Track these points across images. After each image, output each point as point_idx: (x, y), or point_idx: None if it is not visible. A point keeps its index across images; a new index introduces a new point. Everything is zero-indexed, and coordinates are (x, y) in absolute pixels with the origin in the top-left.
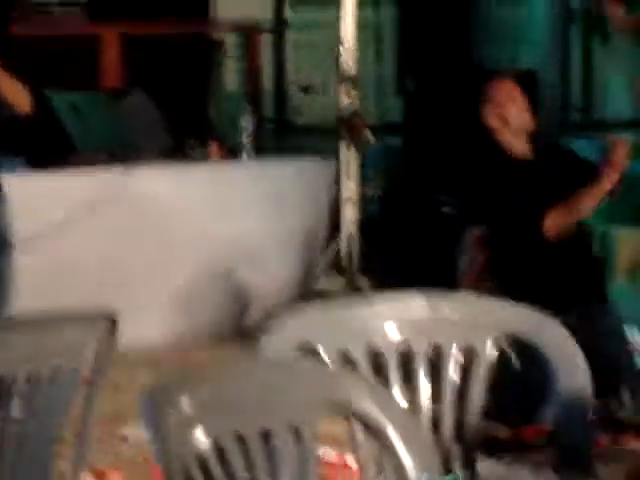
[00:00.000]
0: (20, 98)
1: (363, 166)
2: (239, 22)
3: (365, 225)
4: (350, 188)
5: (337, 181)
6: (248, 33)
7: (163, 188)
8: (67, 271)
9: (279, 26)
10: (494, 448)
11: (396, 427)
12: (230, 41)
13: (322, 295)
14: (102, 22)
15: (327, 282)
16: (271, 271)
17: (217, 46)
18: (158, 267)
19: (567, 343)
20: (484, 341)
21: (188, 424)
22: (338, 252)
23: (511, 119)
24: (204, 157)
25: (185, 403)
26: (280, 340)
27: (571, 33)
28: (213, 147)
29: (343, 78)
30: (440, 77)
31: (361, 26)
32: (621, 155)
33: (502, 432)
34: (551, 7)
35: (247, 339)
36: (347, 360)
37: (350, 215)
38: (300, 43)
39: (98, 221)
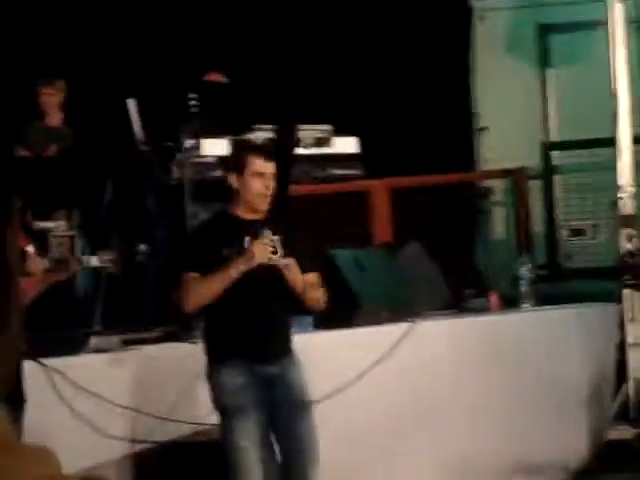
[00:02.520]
0: (319, 298)
1: None
2: (507, 169)
3: None
4: (634, 331)
5: (621, 325)
6: (516, 179)
7: (447, 341)
8: (363, 423)
9: (547, 171)
10: None
11: None
12: (498, 188)
13: (613, 445)
14: (374, 177)
15: (617, 431)
16: (559, 423)
17: (485, 193)
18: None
19: None
20: None
21: None
22: (627, 399)
23: None
24: (483, 308)
25: None
26: None
27: None
28: (492, 297)
29: (622, 219)
30: None
31: (637, 165)
32: None
33: None
34: None
35: None
36: None
37: (636, 360)
38: (569, 187)
39: (387, 374)
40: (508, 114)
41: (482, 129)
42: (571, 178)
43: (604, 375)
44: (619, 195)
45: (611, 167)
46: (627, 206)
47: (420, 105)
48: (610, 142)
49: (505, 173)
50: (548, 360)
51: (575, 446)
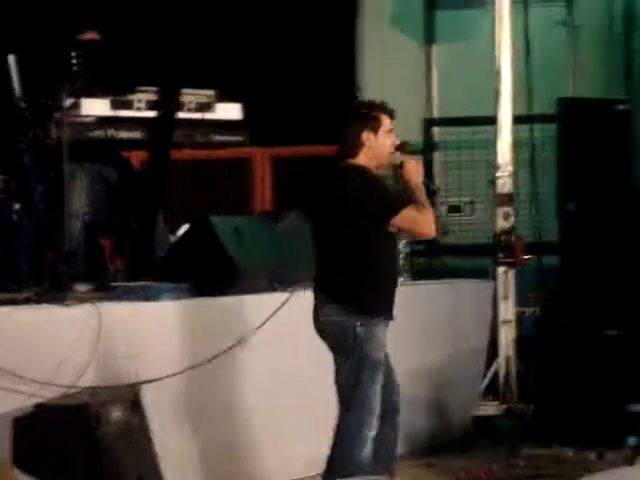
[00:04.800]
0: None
1: (518, 286)
2: None
3: (522, 346)
4: (506, 309)
5: (494, 302)
6: None
7: None
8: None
9: (428, 146)
10: None
11: None
12: None
13: (481, 421)
14: (256, 145)
15: (485, 408)
16: (430, 397)
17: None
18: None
19: None
20: None
21: None
22: (496, 375)
23: None
24: None
25: None
26: None
27: None
28: None
29: (499, 198)
30: (601, 199)
31: (516, 144)
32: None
33: None
34: None
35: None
36: None
37: (507, 336)
38: (448, 163)
39: (266, 341)
40: (392, 88)
41: None
42: (451, 155)
43: (476, 351)
44: (498, 174)
45: (491, 145)
46: (505, 185)
47: (305, 75)
48: (491, 120)
49: None
50: (422, 333)
51: (443, 421)
